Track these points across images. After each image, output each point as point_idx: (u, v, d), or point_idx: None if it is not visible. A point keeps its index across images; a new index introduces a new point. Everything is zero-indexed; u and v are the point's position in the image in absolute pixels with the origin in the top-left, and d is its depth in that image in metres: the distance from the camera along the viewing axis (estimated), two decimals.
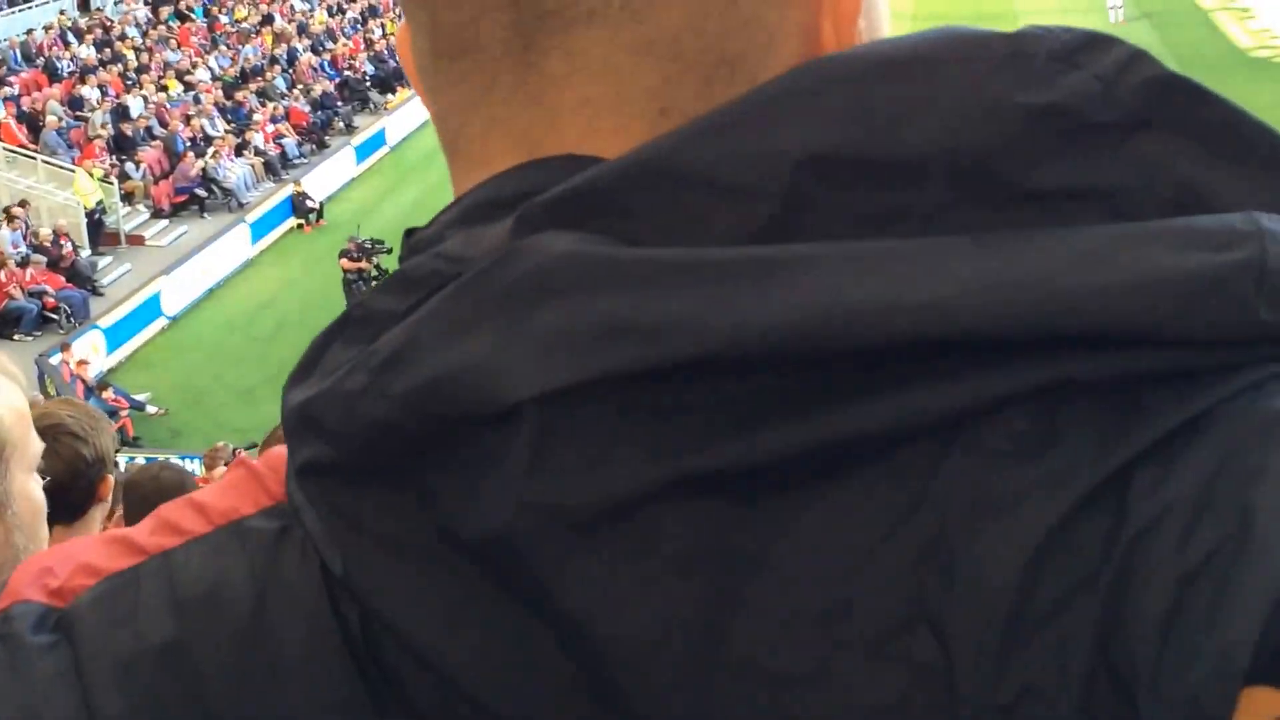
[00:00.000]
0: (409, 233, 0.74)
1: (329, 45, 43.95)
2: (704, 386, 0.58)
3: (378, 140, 39.05)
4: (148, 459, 19.23)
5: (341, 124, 39.27)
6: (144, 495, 4.53)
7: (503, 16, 0.69)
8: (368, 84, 42.31)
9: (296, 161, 35.93)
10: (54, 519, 1.96)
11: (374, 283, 25.79)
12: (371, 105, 41.40)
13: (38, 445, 1.87)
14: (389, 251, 26.19)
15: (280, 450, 0.74)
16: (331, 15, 47.19)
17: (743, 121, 0.62)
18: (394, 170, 37.66)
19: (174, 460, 20.65)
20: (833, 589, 0.57)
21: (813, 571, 0.57)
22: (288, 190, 33.43)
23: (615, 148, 0.67)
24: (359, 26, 46.80)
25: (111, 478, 3.76)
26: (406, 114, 40.88)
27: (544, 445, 0.59)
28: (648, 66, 0.69)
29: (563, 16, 0.68)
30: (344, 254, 26.77)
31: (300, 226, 32.96)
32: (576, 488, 0.58)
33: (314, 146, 37.24)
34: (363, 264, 26.47)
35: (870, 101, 0.62)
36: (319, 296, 28.08)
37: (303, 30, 44.56)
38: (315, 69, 41.60)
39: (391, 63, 43.78)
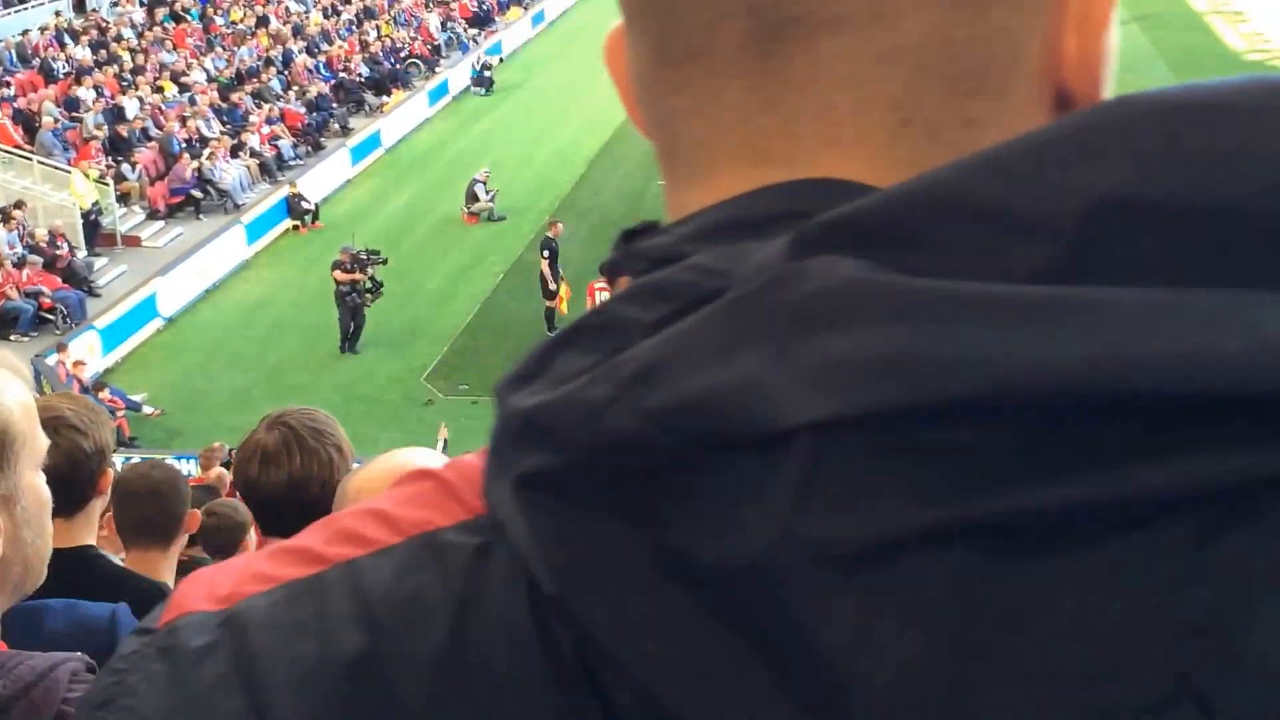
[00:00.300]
0: (627, 236, 0.74)
1: (324, 47, 43.99)
2: (987, 428, 0.56)
3: (373, 142, 39.10)
4: (144, 459, 19.27)
5: (337, 126, 39.30)
6: (134, 493, 4.53)
7: (740, 23, 0.68)
8: (363, 86, 42.32)
9: (292, 163, 35.99)
10: (54, 512, 2.01)
11: (368, 294, 25.70)
12: (367, 107, 41.43)
13: (44, 441, 1.89)
14: (384, 262, 25.95)
15: (471, 460, 0.74)
16: (327, 17, 47.21)
17: (1039, 156, 0.59)
18: (389, 172, 37.72)
19: (169, 460, 20.72)
20: (1096, 654, 0.54)
21: (1076, 634, 0.55)
22: (283, 192, 33.49)
23: (855, 157, 0.68)
24: (354, 28, 46.80)
25: (111, 471, 3.80)
26: (402, 116, 40.94)
27: (814, 476, 0.57)
28: (892, 75, 0.67)
29: (807, 23, 0.67)
30: (336, 265, 26.17)
31: (296, 228, 33.02)
32: (845, 523, 0.56)
33: (309, 148, 37.29)
34: (356, 275, 25.92)
35: (1181, 145, 0.58)
36: (314, 298, 28.14)
37: (298, 32, 44.58)
38: (310, 71, 41.63)
39: (387, 64, 43.86)
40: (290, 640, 0.69)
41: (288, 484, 3.52)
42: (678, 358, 0.60)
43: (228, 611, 0.72)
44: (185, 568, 5.10)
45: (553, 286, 25.96)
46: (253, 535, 7.16)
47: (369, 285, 25.90)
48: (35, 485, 1.86)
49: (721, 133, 0.70)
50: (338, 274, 25.79)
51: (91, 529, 3.79)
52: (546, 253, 26.12)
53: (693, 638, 0.59)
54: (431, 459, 2.67)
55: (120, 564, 4.05)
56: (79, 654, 1.84)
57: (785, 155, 0.69)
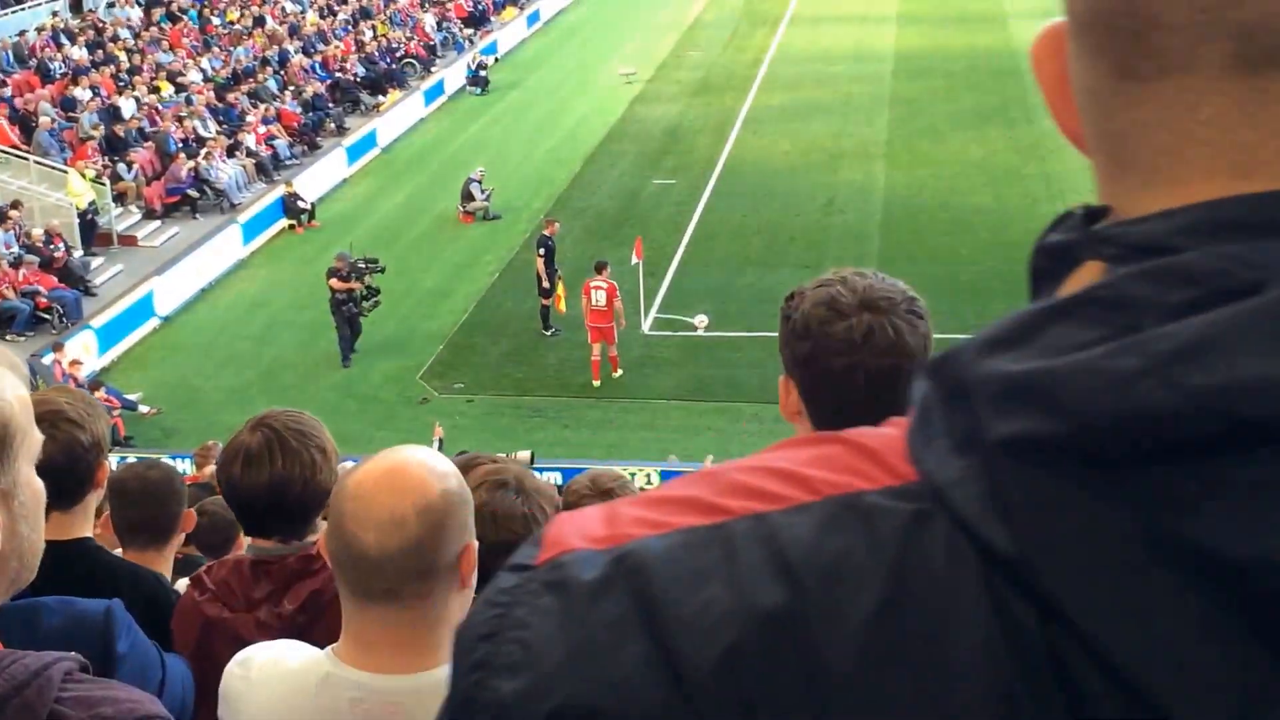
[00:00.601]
0: (1090, 216, 0.76)
1: (320, 47, 43.98)
2: None
3: (369, 141, 39.09)
4: (139, 458, 19.29)
5: (333, 125, 39.30)
6: (130, 493, 4.53)
7: (1226, 45, 0.68)
8: (359, 85, 42.32)
9: (288, 162, 35.99)
10: (51, 505, 2.02)
11: (364, 303, 25.54)
12: (363, 106, 41.42)
13: (39, 436, 1.89)
14: (382, 270, 25.73)
15: (876, 429, 0.77)
16: (323, 17, 47.20)
17: None
18: (385, 171, 37.73)
19: (165, 459, 20.71)
20: None
21: None
22: (279, 191, 33.47)
23: None
24: (350, 28, 46.79)
25: (108, 463, 3.81)
26: (398, 115, 40.94)
27: None
28: None
29: None
30: (333, 273, 25.75)
31: (292, 227, 33.00)
32: None
33: (305, 148, 37.30)
34: (353, 284, 25.57)
35: None
36: (310, 297, 28.14)
37: (294, 32, 44.61)
38: (307, 70, 41.64)
39: (383, 64, 43.85)
40: (697, 585, 0.69)
41: (268, 485, 3.52)
42: (1230, 341, 0.60)
43: (618, 550, 0.73)
44: (182, 567, 5.14)
45: (547, 285, 25.96)
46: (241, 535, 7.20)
47: (365, 293, 25.71)
48: (32, 480, 1.86)
49: (1195, 145, 0.71)
50: (334, 282, 25.47)
51: (88, 521, 3.81)
52: (542, 251, 26.10)
53: (1198, 633, 0.59)
54: (431, 457, 2.70)
55: (117, 555, 4.07)
56: (74, 654, 1.83)
57: (1273, 170, 0.69)
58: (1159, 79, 0.71)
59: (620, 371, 24.67)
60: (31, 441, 1.85)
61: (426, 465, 2.64)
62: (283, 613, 3.45)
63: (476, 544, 2.69)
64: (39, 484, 1.89)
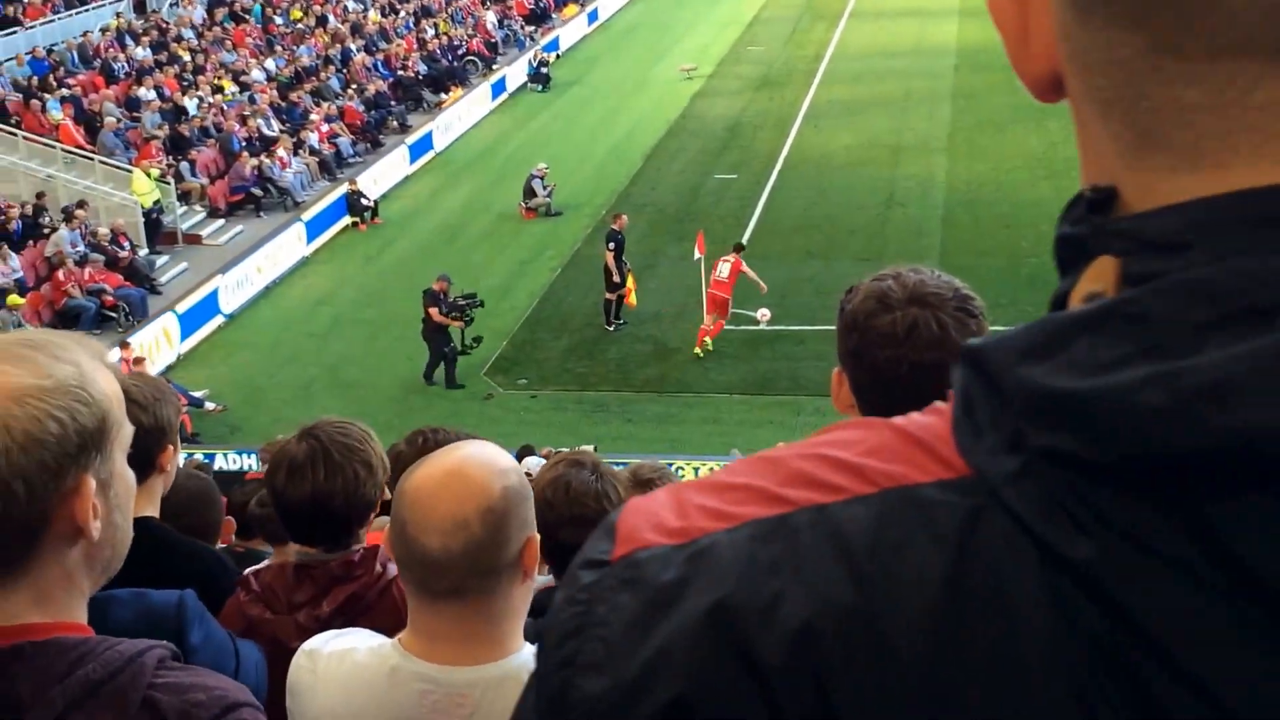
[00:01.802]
0: (1094, 205, 0.75)
1: (382, 45, 44.21)
2: None
3: (431, 139, 39.24)
4: (206, 455, 19.47)
5: (395, 123, 39.50)
6: (167, 503, 4.52)
7: None
8: (421, 83, 42.51)
9: (351, 160, 36.19)
10: None
11: (464, 348, 24.88)
12: (425, 104, 41.61)
13: (130, 427, 1.94)
14: (481, 305, 25.28)
15: (923, 417, 0.77)
16: (384, 15, 47.43)
17: None
18: (447, 168, 37.88)
19: (231, 455, 20.92)
20: None
21: None
22: (342, 189, 33.65)
23: None
24: (412, 26, 47.02)
25: (173, 448, 3.80)
26: (460, 112, 41.09)
27: None
28: None
29: None
30: (433, 299, 24.81)
31: (355, 225, 33.18)
32: None
33: (368, 145, 37.49)
34: (453, 320, 24.79)
35: None
36: (373, 295, 28.30)
37: (356, 30, 44.83)
38: (369, 69, 41.85)
39: (445, 62, 44.03)
40: (767, 579, 0.71)
41: (310, 496, 3.54)
42: (1252, 382, 0.60)
43: (692, 546, 0.74)
44: (243, 559, 5.16)
45: (617, 278, 26.01)
46: None
47: (467, 344, 25.11)
48: (125, 471, 1.92)
49: (1244, 130, 0.69)
50: (433, 312, 24.63)
51: (153, 504, 3.79)
52: (612, 245, 26.11)
53: (1262, 648, 0.60)
54: (491, 453, 2.71)
55: (177, 534, 4.08)
56: (165, 642, 1.90)
57: None
58: (1209, 59, 0.69)
59: (701, 351, 24.84)
60: (125, 433, 1.90)
61: (487, 464, 2.66)
62: (320, 614, 3.48)
63: (538, 536, 2.70)
64: (131, 475, 1.94)
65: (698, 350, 24.80)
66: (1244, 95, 0.68)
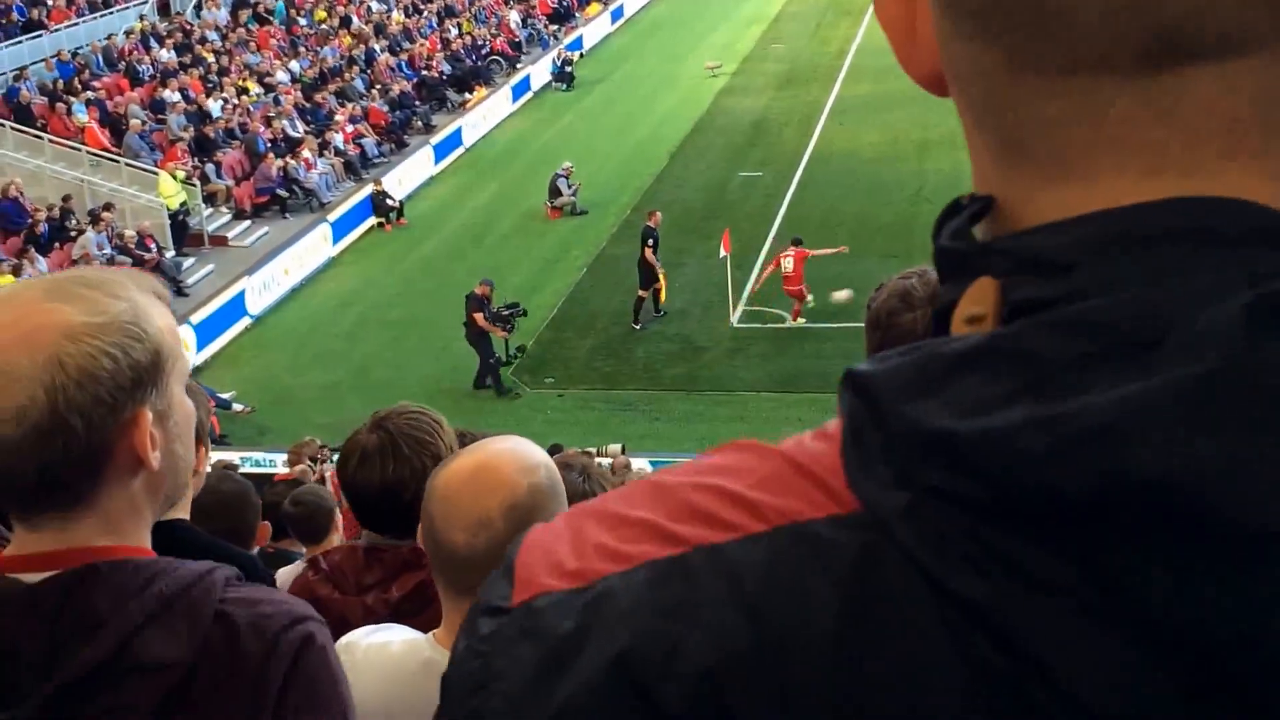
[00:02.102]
0: (975, 216, 0.75)
1: (406, 45, 44.27)
2: None
3: (456, 139, 39.33)
4: (242, 458, 19.48)
5: (420, 123, 39.54)
6: (203, 507, 4.52)
7: (1141, 41, 0.67)
8: (445, 83, 42.54)
9: (376, 161, 36.25)
10: None
11: (512, 358, 25.02)
12: (449, 104, 41.66)
13: (187, 358, 2.04)
14: (524, 314, 25.32)
15: (814, 443, 0.75)
16: (408, 15, 47.52)
17: None
18: (473, 168, 37.95)
19: (259, 456, 20.93)
20: None
21: None
22: (368, 190, 33.71)
23: (1253, 172, 0.68)
24: (436, 26, 47.07)
25: (204, 450, 3.77)
26: (485, 112, 41.14)
27: None
28: None
29: (1216, 44, 0.66)
30: (478, 307, 24.75)
31: (381, 225, 33.24)
32: None
33: (393, 146, 37.56)
34: (498, 330, 24.76)
35: None
36: (400, 295, 28.32)
37: (380, 31, 44.92)
38: (393, 69, 41.90)
39: (469, 61, 44.05)
40: (666, 625, 0.69)
41: (380, 486, 3.55)
42: (1138, 427, 0.60)
43: (589, 592, 0.73)
44: (274, 560, 5.10)
45: (661, 272, 26.24)
46: (339, 518, 7.17)
47: (512, 353, 25.25)
48: (184, 401, 2.00)
49: (1106, 143, 0.69)
50: (479, 317, 24.61)
51: (183, 507, 3.77)
52: (651, 241, 26.26)
53: (1143, 677, 0.60)
54: (519, 448, 2.70)
55: (210, 536, 4.05)
56: (230, 566, 2.04)
57: (1182, 167, 0.68)
58: (1071, 74, 0.69)
59: (799, 320, 25.82)
60: (181, 364, 1.99)
61: (514, 460, 2.65)
62: (390, 598, 3.47)
63: None
64: (190, 405, 2.04)
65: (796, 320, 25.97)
66: (1101, 110, 0.69)
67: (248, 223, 32.34)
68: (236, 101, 36.06)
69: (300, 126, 35.59)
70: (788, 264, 25.43)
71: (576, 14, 53.02)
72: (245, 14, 43.26)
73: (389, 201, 33.47)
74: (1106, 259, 0.66)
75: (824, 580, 0.67)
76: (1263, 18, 0.65)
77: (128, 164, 31.38)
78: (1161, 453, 0.59)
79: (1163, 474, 0.59)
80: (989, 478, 0.63)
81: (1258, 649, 0.58)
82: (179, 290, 28.12)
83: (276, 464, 19.37)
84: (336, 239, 32.11)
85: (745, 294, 26.94)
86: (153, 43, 38.61)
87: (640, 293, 26.35)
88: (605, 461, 16.28)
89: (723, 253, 25.49)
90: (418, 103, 40.63)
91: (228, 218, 32.32)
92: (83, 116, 32.88)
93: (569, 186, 33.00)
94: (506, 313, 25.01)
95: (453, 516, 2.60)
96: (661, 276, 26.32)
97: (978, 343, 0.67)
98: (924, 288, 2.61)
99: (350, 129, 36.76)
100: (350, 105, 38.32)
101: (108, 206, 28.72)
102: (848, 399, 0.72)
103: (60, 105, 33.05)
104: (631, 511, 0.76)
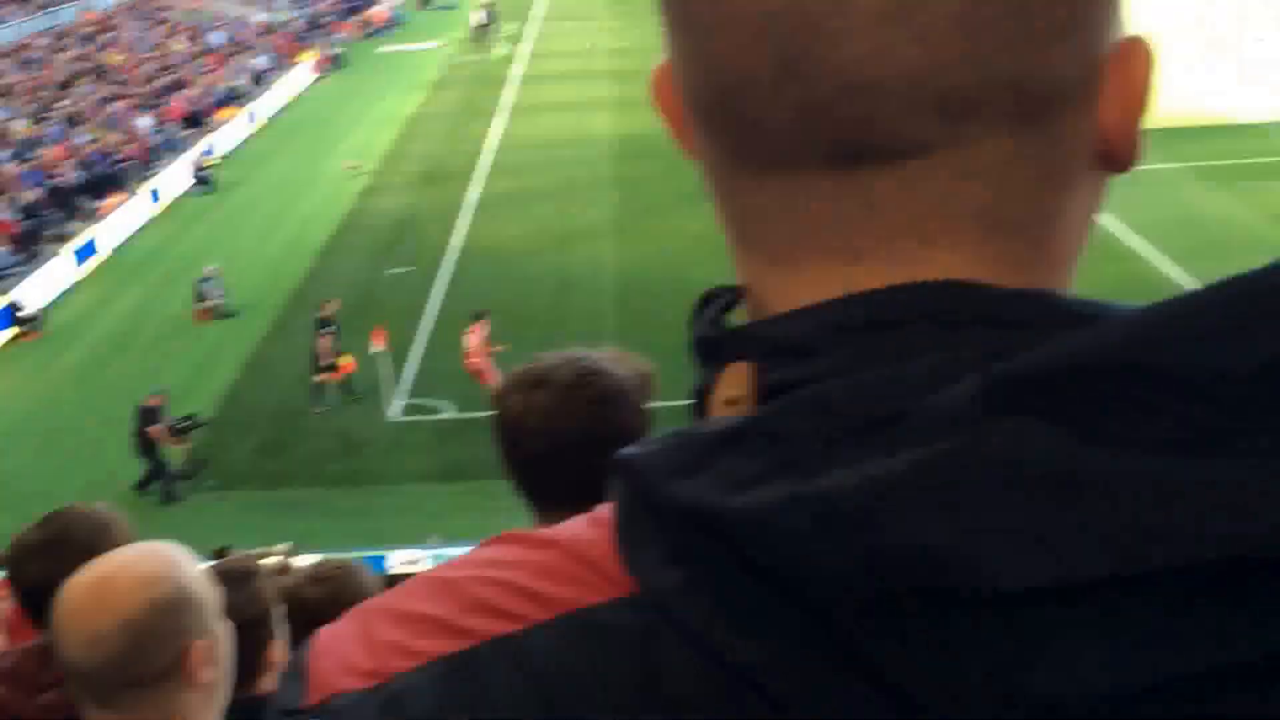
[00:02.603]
0: (728, 305, 0.82)
1: (31, 155, 43.04)
2: (1181, 595, 0.58)
3: (95, 245, 38.21)
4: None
5: (53, 232, 38.42)
6: None
7: (824, 147, 0.71)
8: (77, 190, 41.47)
9: (7, 272, 35.01)
10: None
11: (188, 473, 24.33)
12: (84, 210, 40.58)
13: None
14: (202, 425, 24.99)
15: (592, 532, 0.77)
16: (36, 123, 46.18)
17: (1220, 319, 0.60)
18: (114, 274, 36.82)
19: None
20: None
21: None
22: (3, 301, 32.58)
23: (954, 254, 0.72)
24: (64, 133, 45.90)
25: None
26: (123, 218, 40.21)
27: (1034, 639, 0.59)
28: (976, 187, 0.71)
29: (890, 149, 0.70)
30: (150, 419, 24.00)
31: (20, 336, 32.15)
32: (1072, 683, 0.59)
33: (26, 255, 36.39)
34: (178, 441, 24.12)
35: None
36: (47, 405, 27.46)
37: (2, 139, 43.52)
38: (20, 178, 40.69)
39: (101, 166, 43.11)
40: None
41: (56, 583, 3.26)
42: (888, 505, 0.61)
43: (384, 691, 0.74)
44: None
45: (335, 361, 26.35)
46: None
47: (186, 467, 24.53)
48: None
49: (808, 232, 0.74)
50: (155, 430, 23.91)
51: None
52: (333, 328, 26.60)
53: None
54: (150, 561, 2.68)
55: None
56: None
57: (880, 255, 0.72)
58: (770, 170, 0.73)
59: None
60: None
61: (136, 574, 2.61)
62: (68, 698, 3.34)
63: (211, 641, 2.69)
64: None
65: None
66: (802, 204, 0.73)
67: None
68: None
69: None
70: (464, 341, 25.58)
71: (210, 117, 52.35)
72: None
73: (23, 314, 32.41)
74: (842, 342, 0.70)
75: (611, 663, 0.69)
76: (930, 125, 0.69)
77: None
78: (912, 528, 0.60)
79: (912, 547, 0.60)
80: (754, 552, 0.64)
81: (1013, 707, 0.59)
82: None
83: None
84: None
85: (407, 388, 27.10)
86: None
87: (315, 379, 26.40)
88: (272, 561, 16.13)
89: (374, 347, 25.58)
90: (50, 210, 39.55)
91: None
92: None
93: (216, 289, 32.56)
94: (183, 425, 24.64)
95: (69, 628, 2.56)
96: (340, 362, 26.37)
97: (736, 424, 0.69)
98: (523, 373, 2.65)
99: None
100: None
101: None
102: (617, 483, 0.73)
103: None
104: (418, 607, 0.77)
